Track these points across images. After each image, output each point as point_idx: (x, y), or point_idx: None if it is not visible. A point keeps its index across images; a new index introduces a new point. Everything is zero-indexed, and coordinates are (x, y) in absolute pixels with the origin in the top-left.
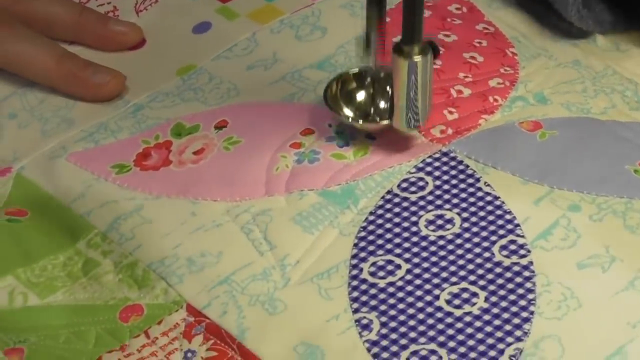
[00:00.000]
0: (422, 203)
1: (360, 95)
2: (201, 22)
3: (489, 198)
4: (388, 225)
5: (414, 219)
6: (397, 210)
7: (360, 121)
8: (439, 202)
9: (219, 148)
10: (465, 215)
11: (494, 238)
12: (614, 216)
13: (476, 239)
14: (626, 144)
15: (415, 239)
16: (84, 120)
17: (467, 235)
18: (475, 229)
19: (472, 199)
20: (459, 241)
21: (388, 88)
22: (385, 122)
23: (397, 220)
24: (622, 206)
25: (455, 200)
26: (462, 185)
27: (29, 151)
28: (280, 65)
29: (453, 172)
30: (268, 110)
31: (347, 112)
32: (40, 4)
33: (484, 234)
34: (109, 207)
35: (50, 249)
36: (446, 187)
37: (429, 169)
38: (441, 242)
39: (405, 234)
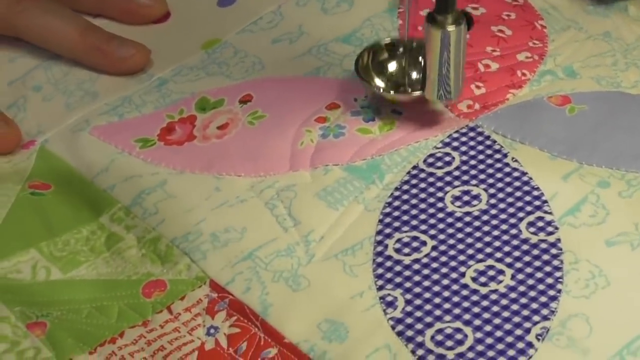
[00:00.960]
0: (448, 179)
1: (392, 66)
2: None
3: (516, 174)
4: (414, 201)
5: (440, 194)
6: (423, 185)
7: (392, 92)
8: (465, 177)
9: (244, 123)
10: (492, 191)
11: (521, 214)
12: None
13: (503, 216)
14: None
15: (441, 215)
16: (108, 94)
17: (493, 211)
18: (502, 205)
19: (499, 175)
20: (485, 217)
21: (420, 59)
22: (417, 93)
23: (422, 195)
24: None
25: (482, 176)
26: (489, 161)
27: (53, 124)
28: (306, 38)
29: (480, 148)
30: (293, 84)
31: (379, 82)
32: None
33: (511, 210)
34: (132, 182)
35: (74, 222)
36: (473, 162)
37: (455, 144)
38: (467, 219)
39: (431, 210)
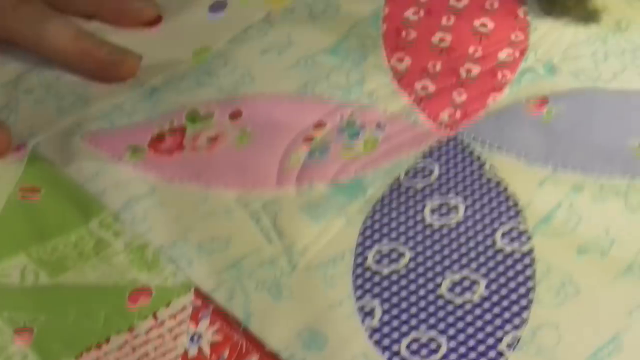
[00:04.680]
0: (427, 191)
1: None
2: (217, 1)
3: (493, 183)
4: (394, 214)
5: (419, 207)
6: (403, 199)
7: None
8: (444, 189)
9: (233, 138)
10: (469, 202)
11: (496, 225)
12: (615, 197)
13: (479, 227)
14: (632, 116)
15: (419, 227)
16: (100, 100)
17: (470, 222)
18: (478, 216)
19: (476, 185)
20: (461, 229)
21: None
22: None
23: (402, 209)
24: (623, 186)
25: (460, 187)
26: (468, 171)
27: (44, 128)
28: (294, 49)
29: (459, 158)
30: (281, 102)
31: None
32: None
33: (487, 221)
34: (122, 188)
35: (63, 227)
36: (452, 173)
37: (435, 155)
38: (445, 230)
39: (410, 223)
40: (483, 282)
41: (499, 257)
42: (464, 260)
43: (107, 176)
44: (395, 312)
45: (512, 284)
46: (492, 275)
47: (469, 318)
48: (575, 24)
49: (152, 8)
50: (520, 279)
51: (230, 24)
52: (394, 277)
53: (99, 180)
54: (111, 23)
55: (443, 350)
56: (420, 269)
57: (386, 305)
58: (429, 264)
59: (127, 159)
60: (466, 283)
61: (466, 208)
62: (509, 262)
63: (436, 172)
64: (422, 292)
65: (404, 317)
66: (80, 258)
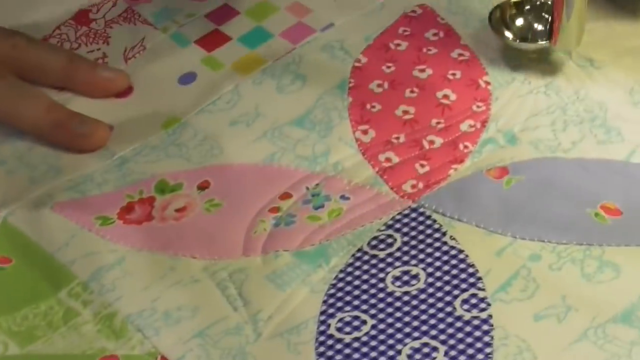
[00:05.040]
0: (389, 260)
1: (520, 21)
2: (187, 72)
3: (453, 252)
4: (356, 283)
5: (381, 275)
6: (365, 267)
7: (518, 41)
8: (405, 258)
9: (201, 209)
10: (430, 270)
11: (456, 292)
12: (572, 264)
13: (439, 294)
14: (589, 185)
15: (381, 295)
16: (71, 170)
17: (430, 290)
18: (438, 284)
19: (437, 254)
20: (422, 296)
21: (544, 14)
22: (543, 42)
23: (365, 277)
24: (580, 254)
25: (421, 256)
26: (429, 240)
27: (16, 198)
28: (262, 120)
29: (421, 228)
30: (249, 172)
31: (508, 34)
32: (33, 51)
33: (447, 288)
34: (91, 258)
35: (32, 297)
36: (413, 242)
37: (398, 225)
38: (406, 298)
39: (373, 291)
40: (443, 349)
41: (459, 324)
42: (424, 327)
43: (77, 246)
44: None
45: (470, 350)
46: (452, 341)
47: None
48: (536, 92)
49: (122, 78)
50: (479, 345)
51: (199, 95)
52: (356, 345)
53: (69, 250)
54: (82, 94)
55: None
56: (382, 336)
57: None
58: (390, 330)
59: (97, 229)
60: (426, 349)
61: (427, 276)
62: (468, 328)
63: (398, 242)
64: (382, 358)
65: None
66: (49, 328)
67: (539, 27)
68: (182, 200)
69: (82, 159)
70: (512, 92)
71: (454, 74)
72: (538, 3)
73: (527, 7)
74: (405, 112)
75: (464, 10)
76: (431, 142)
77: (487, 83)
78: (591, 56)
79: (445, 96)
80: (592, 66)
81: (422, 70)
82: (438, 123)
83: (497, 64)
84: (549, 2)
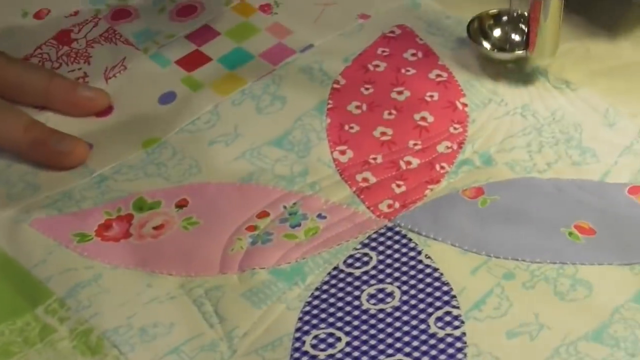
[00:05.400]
0: (365, 278)
1: (497, 32)
2: (167, 92)
3: (428, 270)
4: (332, 300)
5: (356, 293)
6: (341, 285)
7: (495, 50)
8: (381, 276)
9: (178, 226)
10: (405, 288)
11: (430, 310)
12: (545, 283)
13: (414, 312)
14: (564, 204)
15: (356, 312)
16: (49, 187)
17: (405, 308)
18: (413, 302)
19: (412, 272)
20: (397, 314)
21: (521, 25)
22: (519, 53)
23: (340, 295)
24: (553, 272)
25: (396, 274)
26: (404, 259)
27: None
28: (241, 140)
29: (396, 247)
30: (227, 191)
31: (486, 44)
32: (13, 71)
33: (422, 306)
34: (68, 275)
35: (9, 313)
36: (389, 261)
37: (373, 244)
38: (381, 316)
39: (348, 308)
40: None
41: (433, 341)
42: (399, 344)
43: (54, 262)
44: None
45: None
46: (425, 358)
47: None
48: (513, 113)
49: (102, 98)
50: None
51: (179, 115)
52: None
53: (46, 266)
54: (62, 113)
55: None
56: (356, 353)
57: None
58: (365, 347)
59: (75, 246)
60: None
61: (402, 294)
62: (442, 345)
63: (374, 260)
64: None
65: None
66: (25, 344)
67: (515, 37)
68: (160, 218)
69: (60, 176)
70: (489, 114)
71: (431, 96)
72: (515, 14)
73: (505, 18)
74: (383, 134)
75: (443, 31)
76: (408, 163)
77: (464, 105)
78: (567, 77)
79: (423, 118)
80: (568, 87)
81: (400, 93)
82: (415, 144)
83: (474, 84)
84: (526, 14)
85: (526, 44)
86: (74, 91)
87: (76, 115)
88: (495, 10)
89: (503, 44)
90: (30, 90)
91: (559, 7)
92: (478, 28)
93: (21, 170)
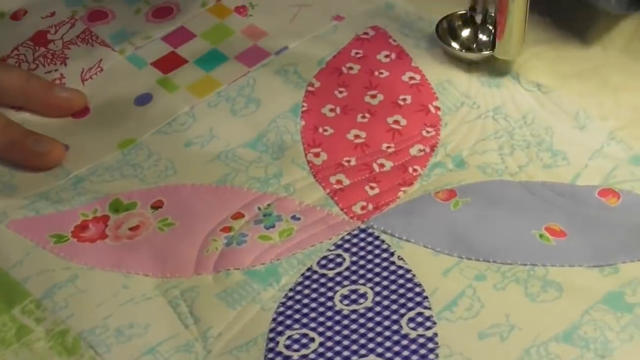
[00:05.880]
0: (338, 279)
1: (465, 32)
2: (143, 93)
3: (401, 272)
4: (305, 301)
5: (330, 294)
6: (315, 286)
7: (463, 51)
8: (354, 277)
9: (154, 228)
10: (378, 289)
11: (402, 311)
12: (516, 284)
13: (386, 312)
14: (535, 206)
15: (329, 313)
16: (26, 188)
17: (378, 308)
18: (386, 303)
19: (385, 273)
20: (370, 315)
21: (488, 26)
22: (487, 52)
23: (314, 295)
24: (524, 274)
25: (369, 275)
26: (377, 260)
27: None
28: (216, 142)
29: (369, 248)
30: (202, 193)
31: (454, 45)
32: None
33: (394, 307)
34: (45, 276)
35: None
36: (362, 262)
37: (347, 245)
38: (354, 316)
39: (321, 309)
40: None
41: (405, 342)
42: (371, 345)
43: (31, 263)
44: None
45: None
46: (398, 359)
47: None
48: (485, 117)
49: (79, 99)
50: None
51: (155, 116)
52: None
53: (23, 267)
54: (39, 113)
55: None
56: (329, 353)
57: None
58: (338, 348)
59: (51, 247)
60: None
61: (375, 295)
62: (414, 346)
63: (347, 261)
64: None
65: None
66: (1, 344)
67: (483, 37)
68: (135, 219)
69: (37, 177)
70: (461, 118)
71: (404, 99)
72: (483, 15)
73: (473, 18)
74: (357, 136)
75: (416, 32)
76: (381, 165)
77: (437, 108)
78: (538, 80)
79: (396, 121)
80: (540, 91)
81: (374, 96)
82: (388, 147)
83: (446, 87)
84: (493, 15)
85: (493, 43)
86: (51, 92)
87: (53, 116)
88: (463, 11)
89: (471, 44)
90: (8, 91)
91: (524, 5)
92: (447, 28)
93: None
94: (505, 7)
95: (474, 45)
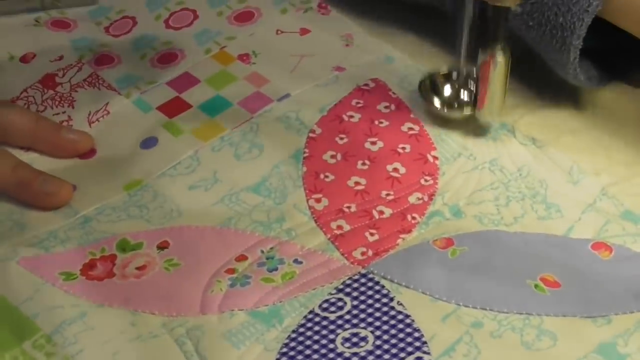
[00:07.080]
0: (340, 322)
1: (447, 90)
2: (148, 137)
3: (400, 317)
4: (308, 342)
5: (331, 336)
6: (317, 328)
7: (446, 109)
8: (355, 321)
9: (160, 267)
10: (378, 333)
11: (402, 355)
12: (512, 332)
13: (386, 356)
14: (530, 257)
15: (331, 355)
16: (36, 226)
17: (378, 352)
18: (386, 346)
19: (385, 318)
20: (370, 358)
21: (470, 85)
22: (468, 112)
23: (316, 337)
24: (520, 322)
25: (370, 319)
26: (377, 305)
27: None
28: (220, 186)
29: (370, 293)
30: (207, 235)
31: (436, 102)
32: (0, 112)
33: (394, 351)
34: (55, 312)
35: None
36: (363, 306)
37: (348, 290)
38: (355, 359)
39: (323, 351)
40: None
41: None
42: None
43: (41, 299)
44: None
45: None
46: None
47: None
48: (481, 168)
49: (86, 140)
50: None
51: (160, 159)
52: None
53: (33, 303)
54: (47, 154)
55: None
56: None
57: None
58: None
59: (60, 284)
60: None
61: (375, 338)
62: None
63: (348, 305)
64: None
65: None
66: None
67: (464, 97)
68: (142, 259)
69: (46, 216)
70: (458, 168)
71: (403, 148)
72: (465, 74)
73: (455, 77)
74: (357, 183)
75: (415, 85)
76: (381, 212)
77: (435, 158)
78: (533, 135)
79: (395, 169)
80: (534, 145)
81: (374, 143)
82: (388, 195)
83: (444, 138)
84: (475, 75)
85: (474, 102)
86: (59, 133)
87: (61, 157)
88: (445, 70)
89: (453, 102)
90: (17, 132)
91: (505, 69)
92: (429, 86)
93: (8, 209)
94: (487, 76)
95: (455, 104)
